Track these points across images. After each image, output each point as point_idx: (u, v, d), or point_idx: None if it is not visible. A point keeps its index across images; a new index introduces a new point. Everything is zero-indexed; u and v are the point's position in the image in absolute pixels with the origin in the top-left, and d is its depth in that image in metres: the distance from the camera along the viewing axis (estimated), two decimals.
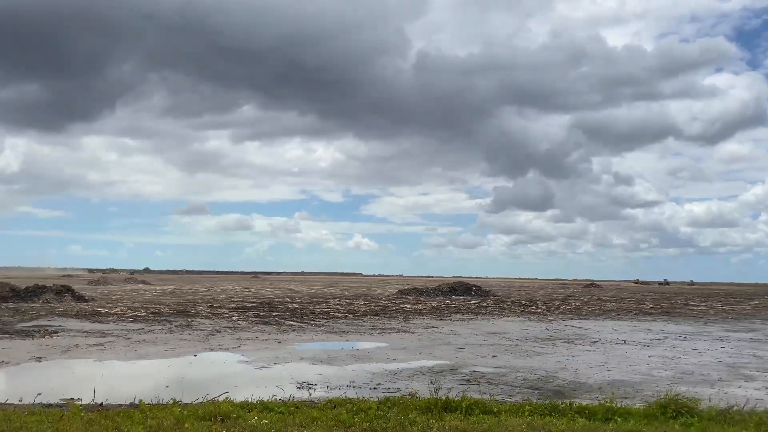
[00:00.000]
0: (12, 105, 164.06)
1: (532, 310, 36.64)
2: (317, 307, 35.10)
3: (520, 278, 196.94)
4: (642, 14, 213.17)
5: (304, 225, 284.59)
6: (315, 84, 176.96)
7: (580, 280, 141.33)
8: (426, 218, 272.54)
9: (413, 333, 22.62)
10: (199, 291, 54.11)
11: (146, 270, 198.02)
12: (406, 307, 37.25)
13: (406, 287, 59.63)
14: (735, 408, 8.46)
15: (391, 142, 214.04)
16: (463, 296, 50.76)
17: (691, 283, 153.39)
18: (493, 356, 17.00)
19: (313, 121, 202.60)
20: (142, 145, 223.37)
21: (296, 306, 35.23)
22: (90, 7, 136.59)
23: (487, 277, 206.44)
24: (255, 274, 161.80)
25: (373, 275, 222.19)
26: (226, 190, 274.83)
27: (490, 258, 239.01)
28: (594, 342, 20.81)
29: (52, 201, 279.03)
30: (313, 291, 58.95)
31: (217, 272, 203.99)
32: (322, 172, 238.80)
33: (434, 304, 41.03)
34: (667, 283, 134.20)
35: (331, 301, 40.97)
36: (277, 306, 34.84)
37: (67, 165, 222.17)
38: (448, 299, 46.73)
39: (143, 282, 72.33)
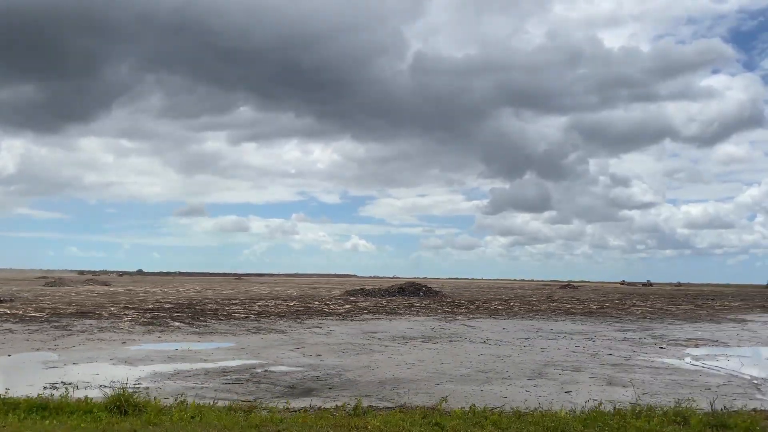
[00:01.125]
0: (9, 106, 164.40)
1: (455, 311, 36.41)
2: (234, 308, 34.91)
3: (515, 279, 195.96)
4: (639, 16, 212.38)
5: (302, 226, 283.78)
6: (312, 85, 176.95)
7: (575, 281, 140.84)
8: (424, 220, 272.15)
9: (284, 333, 22.43)
10: (146, 293, 53.89)
11: (139, 272, 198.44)
12: (329, 308, 37.06)
13: (352, 287, 59.47)
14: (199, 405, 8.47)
15: (388, 143, 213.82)
16: (408, 297, 50.54)
17: (678, 285, 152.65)
18: (318, 355, 16.83)
19: (310, 123, 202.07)
20: (139, 147, 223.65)
21: (213, 307, 35.05)
22: (87, 7, 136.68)
23: (482, 279, 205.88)
24: (238, 276, 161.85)
25: (368, 277, 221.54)
26: (223, 191, 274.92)
27: (488, 259, 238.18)
28: (453, 341, 20.63)
29: (49, 202, 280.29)
30: (264, 292, 58.74)
31: (212, 274, 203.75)
32: (320, 173, 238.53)
33: (365, 304, 40.80)
34: (650, 284, 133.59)
35: (260, 302, 40.78)
36: (191, 307, 34.65)
37: (64, 166, 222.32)
38: (386, 300, 46.49)
39: (103, 283, 72.24)
